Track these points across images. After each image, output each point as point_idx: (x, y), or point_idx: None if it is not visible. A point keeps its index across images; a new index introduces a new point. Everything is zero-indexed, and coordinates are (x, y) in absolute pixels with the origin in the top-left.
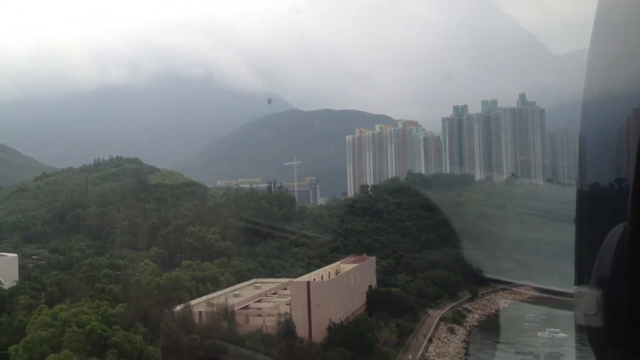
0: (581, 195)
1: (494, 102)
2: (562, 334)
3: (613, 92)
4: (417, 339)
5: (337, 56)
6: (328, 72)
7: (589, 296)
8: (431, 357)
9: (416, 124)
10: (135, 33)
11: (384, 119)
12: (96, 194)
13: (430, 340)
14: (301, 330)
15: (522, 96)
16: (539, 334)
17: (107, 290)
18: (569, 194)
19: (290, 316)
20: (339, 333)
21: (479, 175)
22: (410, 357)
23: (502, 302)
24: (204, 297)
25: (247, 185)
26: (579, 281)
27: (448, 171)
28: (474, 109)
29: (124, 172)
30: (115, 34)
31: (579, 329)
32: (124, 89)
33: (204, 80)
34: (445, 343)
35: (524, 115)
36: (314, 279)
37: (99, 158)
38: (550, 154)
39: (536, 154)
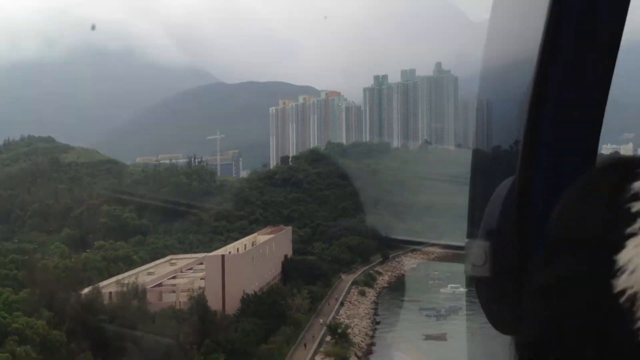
0: (476, 154)
1: (412, 72)
2: (462, 289)
3: (513, 57)
4: (329, 304)
5: (263, 27)
6: (254, 43)
7: (478, 247)
8: (341, 320)
9: (339, 94)
10: (50, 4)
11: (307, 90)
12: (5, 176)
13: (341, 304)
14: (215, 304)
15: (438, 65)
16: (442, 290)
17: (12, 276)
18: (479, 158)
19: (204, 290)
20: (252, 304)
21: (397, 142)
22: (321, 321)
23: (411, 262)
24: (116, 278)
25: (167, 161)
26: (470, 235)
27: (368, 140)
28: (394, 78)
29: (36, 152)
30: (28, 5)
31: (469, 280)
32: (37, 64)
33: (124, 53)
34: (356, 305)
35: (440, 84)
36: (230, 252)
37: (9, 138)
38: (462, 120)
39: (449, 120)
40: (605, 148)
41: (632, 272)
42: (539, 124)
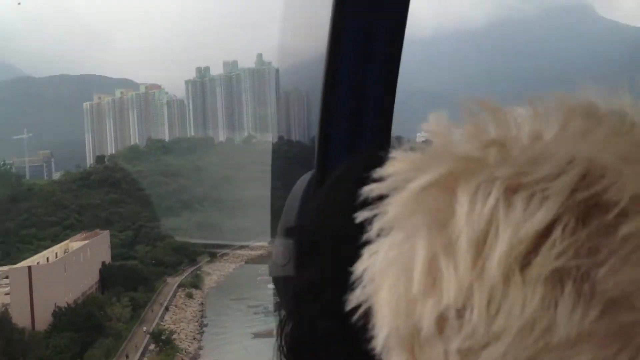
0: (276, 150)
1: (235, 63)
2: None
3: (308, 52)
4: (153, 310)
5: (73, 15)
6: (63, 33)
7: (280, 246)
8: (167, 325)
9: (159, 87)
10: None
11: (125, 83)
12: None
13: (167, 309)
14: (23, 321)
15: (260, 56)
16: (269, 285)
17: None
18: (299, 150)
19: (9, 307)
20: (65, 317)
21: (222, 136)
22: (144, 329)
23: (239, 260)
24: None
25: None
26: (274, 232)
27: (192, 134)
28: (217, 70)
29: None
30: None
31: (275, 281)
32: None
33: None
34: (182, 309)
35: (262, 75)
36: (38, 263)
37: None
38: (284, 111)
39: (272, 112)
40: (420, 137)
41: (366, 285)
42: (332, 117)
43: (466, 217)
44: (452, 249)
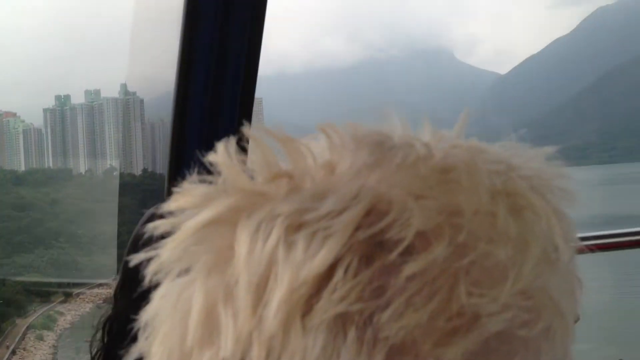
0: (140, 182)
1: (97, 92)
2: None
3: (170, 85)
4: None
5: None
6: None
7: None
8: None
9: (15, 115)
10: None
11: None
12: None
13: (14, 352)
14: None
15: (124, 86)
16: None
17: None
18: (161, 183)
19: None
20: None
21: (82, 168)
22: None
23: (97, 298)
24: None
25: None
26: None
27: (50, 165)
28: (78, 98)
29: None
30: None
31: None
32: None
33: None
34: (32, 352)
35: (126, 106)
36: None
37: None
38: (150, 143)
39: (137, 144)
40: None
41: (149, 335)
42: (183, 150)
43: (245, 258)
44: (231, 294)
